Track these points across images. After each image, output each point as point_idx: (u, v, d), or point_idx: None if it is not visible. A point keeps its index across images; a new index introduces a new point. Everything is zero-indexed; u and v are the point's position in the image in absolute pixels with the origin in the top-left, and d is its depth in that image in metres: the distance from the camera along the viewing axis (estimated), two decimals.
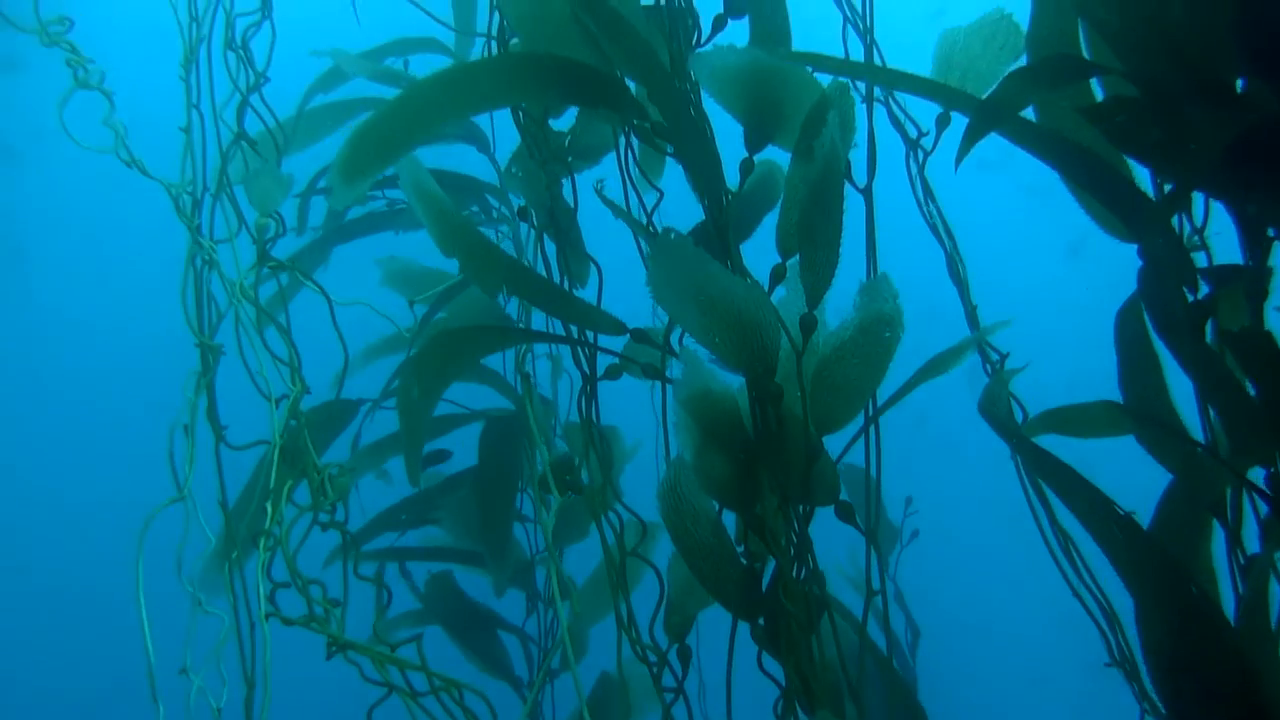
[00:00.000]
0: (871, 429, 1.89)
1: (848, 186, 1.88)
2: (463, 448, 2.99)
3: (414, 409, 1.80)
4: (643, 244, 1.96)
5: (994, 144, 1.77)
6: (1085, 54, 1.74)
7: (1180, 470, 1.71)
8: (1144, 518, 1.84)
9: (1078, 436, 1.86)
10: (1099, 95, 1.75)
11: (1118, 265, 1.87)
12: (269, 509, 1.84)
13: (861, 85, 2.05)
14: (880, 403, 1.89)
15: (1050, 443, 1.84)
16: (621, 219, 1.91)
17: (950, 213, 2.23)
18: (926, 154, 2.10)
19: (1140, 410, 1.78)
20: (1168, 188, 1.66)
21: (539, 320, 2.52)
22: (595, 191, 1.95)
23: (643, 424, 2.72)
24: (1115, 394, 1.90)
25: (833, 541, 1.98)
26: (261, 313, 2.15)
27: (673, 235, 1.63)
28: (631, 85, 1.88)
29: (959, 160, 1.67)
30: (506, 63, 1.84)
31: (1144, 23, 1.49)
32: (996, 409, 1.89)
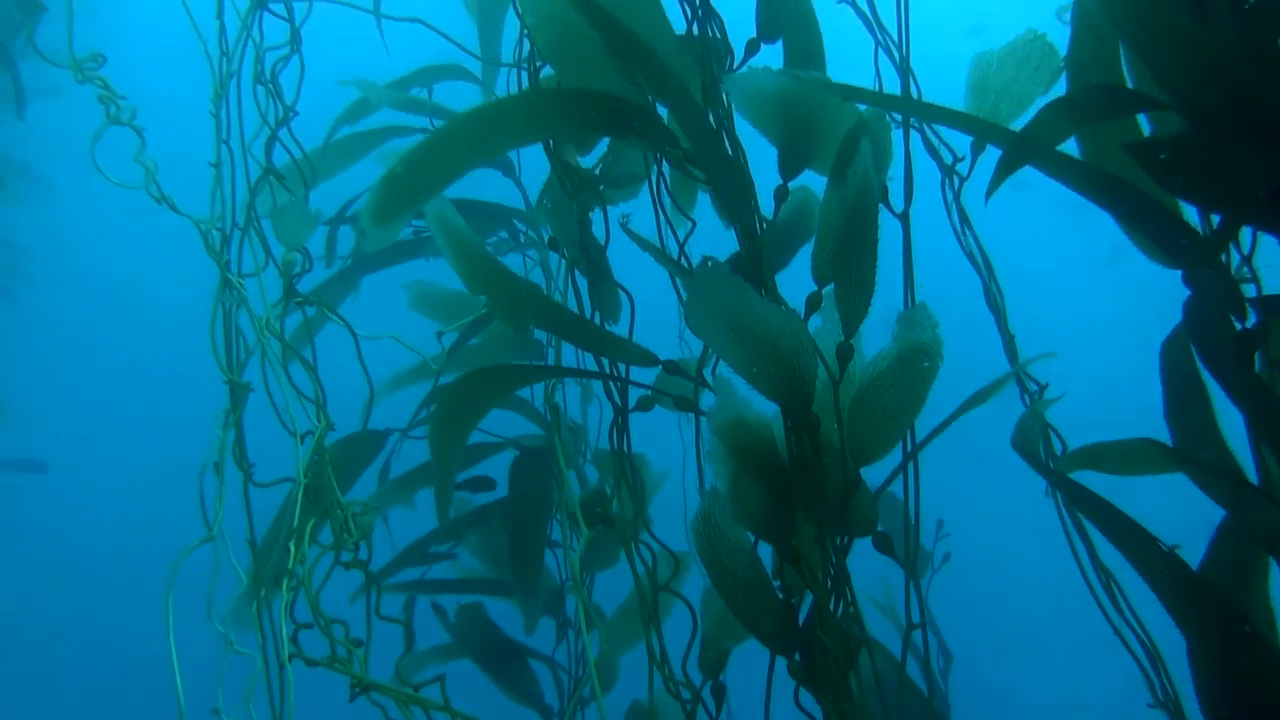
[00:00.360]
0: (909, 458, 1.85)
1: (885, 212, 1.85)
2: (489, 471, 2.97)
3: (444, 448, 1.78)
4: (676, 280, 1.94)
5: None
6: (1127, 78, 1.69)
7: (1232, 505, 1.66)
8: (1196, 542, 1.79)
9: (1116, 474, 1.80)
10: (1143, 123, 1.70)
11: (1159, 272, 1.82)
12: (292, 549, 1.82)
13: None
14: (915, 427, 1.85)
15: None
16: (649, 252, 1.89)
17: (985, 228, 2.19)
18: (962, 180, 2.07)
19: (1187, 443, 1.73)
20: (1215, 218, 1.60)
21: (569, 348, 2.50)
22: (621, 226, 1.93)
23: (669, 448, 2.69)
24: (1153, 405, 1.85)
25: (862, 566, 1.94)
26: (287, 348, 2.14)
27: (710, 264, 1.61)
28: (664, 112, 1.86)
29: (990, 193, 1.63)
30: (537, 98, 1.82)
31: (1188, 47, 1.44)
32: (1030, 444, 1.84)
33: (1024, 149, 1.57)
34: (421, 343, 2.88)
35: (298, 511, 1.89)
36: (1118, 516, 1.59)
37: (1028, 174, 1.75)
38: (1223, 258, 1.59)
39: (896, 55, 2.02)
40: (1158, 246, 1.63)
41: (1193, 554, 1.74)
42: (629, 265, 2.14)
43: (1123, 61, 1.70)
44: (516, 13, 2.10)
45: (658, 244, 1.96)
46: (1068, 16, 2.15)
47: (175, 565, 1.89)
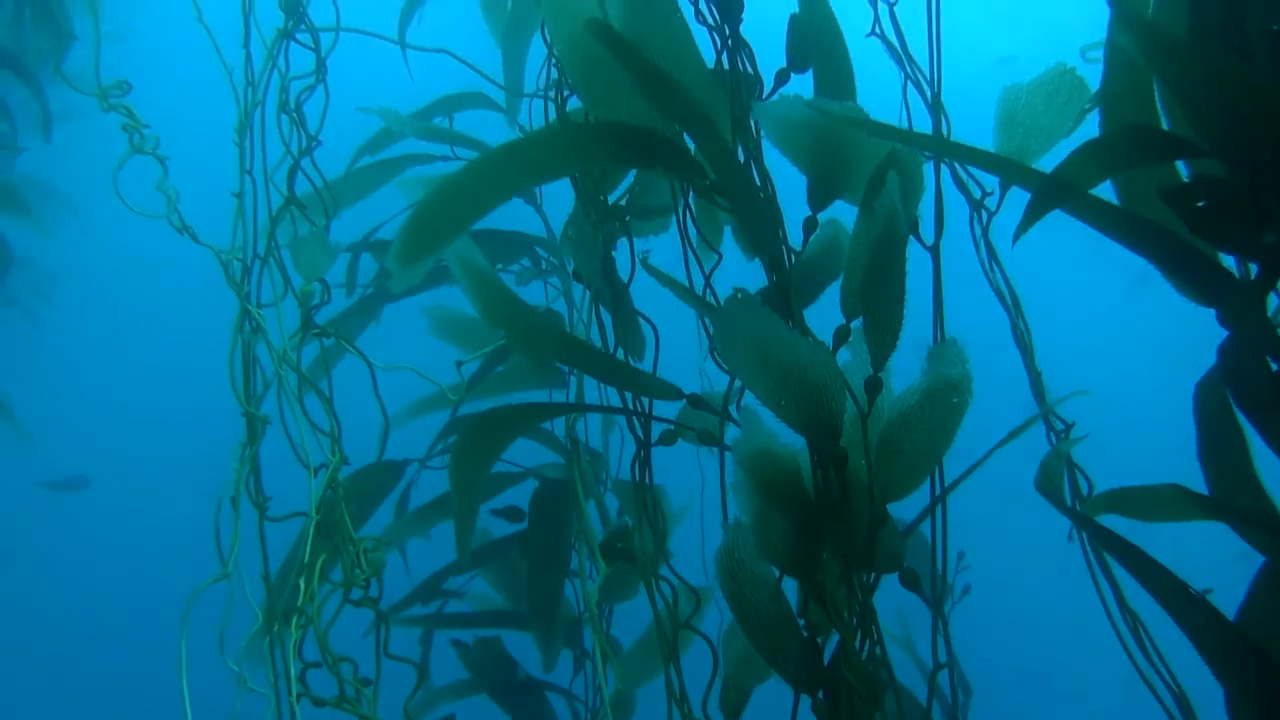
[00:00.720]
0: (938, 501, 1.82)
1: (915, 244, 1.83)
2: (508, 499, 2.95)
3: (465, 482, 1.75)
4: (704, 317, 1.92)
5: None
6: (1161, 113, 1.66)
7: (1270, 552, 1.62)
8: (1232, 570, 1.74)
9: (1143, 520, 1.75)
10: (1181, 165, 1.66)
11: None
12: (302, 585, 1.81)
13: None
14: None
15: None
16: (670, 288, 1.87)
17: (1008, 253, 2.16)
18: (990, 214, 2.04)
19: (1222, 486, 1.68)
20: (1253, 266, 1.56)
21: (591, 380, 2.48)
22: (641, 263, 1.92)
23: (688, 478, 2.66)
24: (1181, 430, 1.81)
25: (878, 599, 1.91)
26: (304, 380, 2.13)
27: (740, 295, 1.60)
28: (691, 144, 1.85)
29: (1016, 237, 1.59)
30: (564, 134, 1.80)
31: (1227, 86, 1.41)
32: (1054, 485, 1.80)
33: (1053, 193, 1.53)
34: (442, 364, 2.87)
35: (308, 547, 1.88)
36: (1150, 563, 1.55)
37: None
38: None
39: (928, 91, 2.01)
40: (1194, 292, 1.58)
41: (1230, 587, 1.71)
42: (649, 293, 2.13)
43: (1157, 99, 1.67)
44: (544, 39, 2.09)
45: (684, 276, 1.95)
46: (1091, 54, 2.13)
47: (189, 601, 1.88)
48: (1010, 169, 1.73)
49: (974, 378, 1.71)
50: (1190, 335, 1.79)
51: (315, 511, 1.94)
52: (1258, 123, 1.39)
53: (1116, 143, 1.60)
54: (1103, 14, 1.63)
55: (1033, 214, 1.52)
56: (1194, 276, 1.54)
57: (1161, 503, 1.72)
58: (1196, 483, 1.74)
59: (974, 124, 2.09)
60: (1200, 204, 1.43)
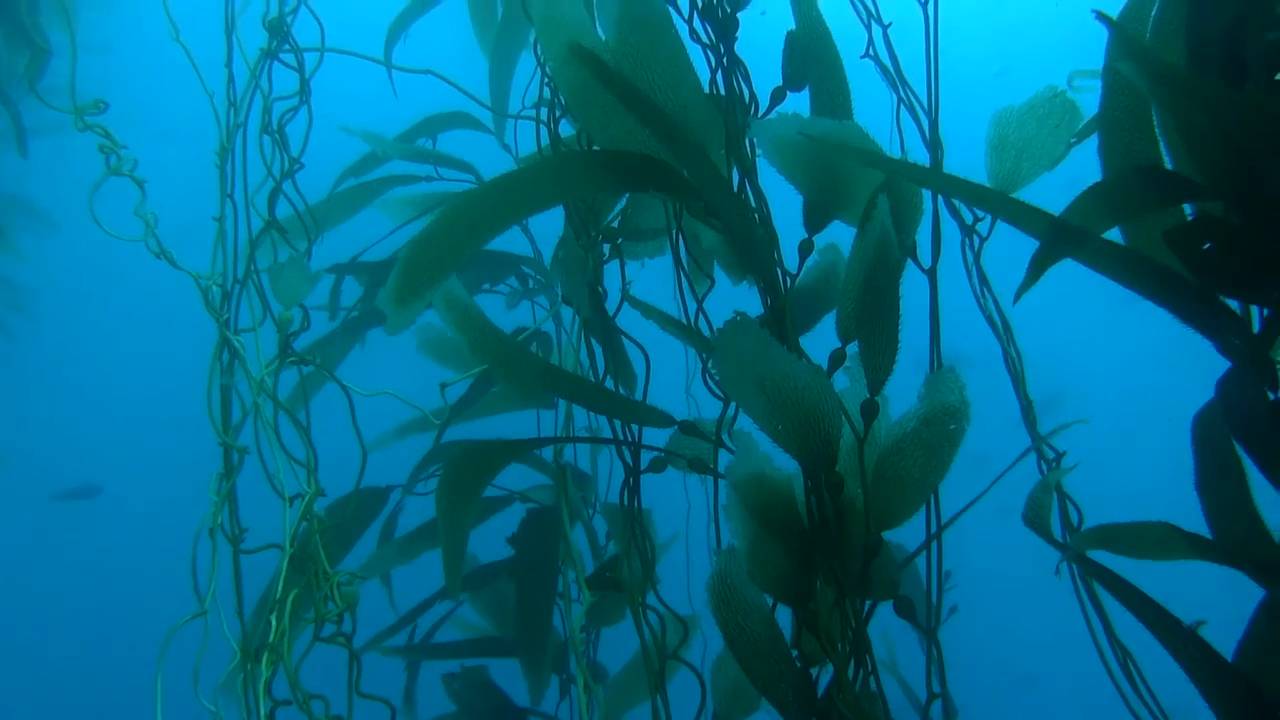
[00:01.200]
0: (932, 519, 1.79)
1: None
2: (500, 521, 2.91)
3: (453, 513, 1.71)
4: (691, 344, 1.89)
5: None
6: (1160, 141, 1.64)
7: (1268, 586, 1.59)
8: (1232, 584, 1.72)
9: (1130, 557, 1.72)
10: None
11: None
12: (273, 622, 1.76)
13: (927, 159, 1.98)
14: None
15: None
16: (653, 319, 1.84)
17: (1001, 277, 2.14)
18: (983, 240, 2.02)
19: (1220, 518, 1.65)
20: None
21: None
22: (625, 297, 1.89)
23: (673, 502, 2.64)
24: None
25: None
26: (280, 409, 2.08)
27: (739, 318, 1.57)
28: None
29: (1019, 294, 1.54)
30: (555, 164, 1.76)
31: (1224, 112, 1.39)
32: (1041, 518, 1.77)
33: (1065, 240, 1.47)
34: (429, 380, 2.83)
35: (281, 582, 1.83)
36: (1143, 600, 1.53)
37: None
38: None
39: (924, 119, 1.98)
40: (1201, 331, 1.55)
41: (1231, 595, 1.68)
42: (638, 317, 2.10)
43: (1155, 124, 1.65)
44: (537, 58, 2.06)
45: (678, 298, 1.92)
46: (1078, 82, 2.11)
47: (167, 638, 1.82)
48: (1010, 207, 1.67)
49: (971, 403, 1.69)
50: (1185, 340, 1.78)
51: (289, 544, 1.89)
52: (1259, 152, 1.37)
53: (1120, 188, 1.55)
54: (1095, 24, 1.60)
55: (1038, 267, 1.48)
56: (1202, 320, 1.51)
57: (1150, 541, 1.69)
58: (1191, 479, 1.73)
59: (970, 141, 2.07)
60: (1205, 246, 1.39)
